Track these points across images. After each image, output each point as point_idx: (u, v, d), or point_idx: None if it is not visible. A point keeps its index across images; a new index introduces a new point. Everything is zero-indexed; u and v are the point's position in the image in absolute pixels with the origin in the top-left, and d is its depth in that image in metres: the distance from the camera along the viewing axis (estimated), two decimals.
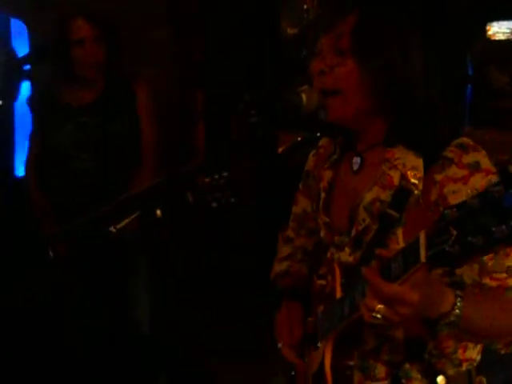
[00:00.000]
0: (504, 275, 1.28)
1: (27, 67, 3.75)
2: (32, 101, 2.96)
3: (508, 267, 1.28)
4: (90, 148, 2.78)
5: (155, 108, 2.92)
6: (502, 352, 1.32)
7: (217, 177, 1.44)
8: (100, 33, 2.68)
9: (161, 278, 3.31)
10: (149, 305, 2.99)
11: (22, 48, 3.74)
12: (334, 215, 1.51)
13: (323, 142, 1.63)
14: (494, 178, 1.27)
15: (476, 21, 4.65)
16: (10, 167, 3.97)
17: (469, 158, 1.31)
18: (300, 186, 1.70)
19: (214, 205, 1.43)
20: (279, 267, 1.76)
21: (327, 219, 1.52)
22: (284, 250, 1.78)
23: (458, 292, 1.19)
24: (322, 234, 1.56)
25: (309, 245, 1.71)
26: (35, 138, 2.93)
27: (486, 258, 1.27)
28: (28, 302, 3.64)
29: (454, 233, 0.99)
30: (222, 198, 1.44)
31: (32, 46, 3.72)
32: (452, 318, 1.17)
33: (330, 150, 1.57)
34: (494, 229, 0.95)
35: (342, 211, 1.47)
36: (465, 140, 1.35)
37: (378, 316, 1.14)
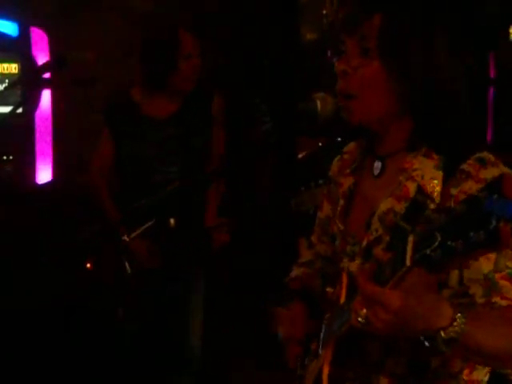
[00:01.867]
0: None
1: (47, 75, 3.78)
2: (110, 111, 2.88)
3: None
4: (173, 161, 2.77)
5: (224, 122, 2.95)
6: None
7: (313, 184, 1.42)
8: (201, 49, 2.76)
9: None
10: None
11: (41, 56, 3.77)
12: (352, 223, 1.48)
13: (349, 147, 1.59)
14: None
15: (500, 23, 4.59)
16: (32, 175, 4.00)
17: (486, 173, 1.27)
18: (325, 192, 1.67)
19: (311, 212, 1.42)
20: (295, 272, 1.73)
21: (342, 227, 1.49)
22: (305, 256, 1.75)
23: (459, 308, 1.14)
24: (337, 242, 1.53)
25: (329, 252, 1.67)
26: (106, 148, 2.86)
27: (496, 276, 1.23)
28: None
29: (439, 237, 0.99)
30: None
31: (52, 54, 3.75)
32: (452, 335, 1.12)
33: (355, 155, 1.54)
34: (471, 234, 0.94)
35: (360, 219, 1.43)
36: (485, 154, 1.31)
37: (362, 321, 1.12)
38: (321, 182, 1.75)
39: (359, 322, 1.13)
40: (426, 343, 1.15)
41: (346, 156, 1.59)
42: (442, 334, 1.12)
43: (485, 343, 1.17)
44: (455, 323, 1.12)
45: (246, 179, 3.80)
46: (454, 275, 1.27)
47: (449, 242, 0.97)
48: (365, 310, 1.11)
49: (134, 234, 1.29)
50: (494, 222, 0.93)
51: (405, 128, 1.37)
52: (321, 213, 1.69)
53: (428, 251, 1.00)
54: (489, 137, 4.48)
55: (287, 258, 1.88)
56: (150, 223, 1.31)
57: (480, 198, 0.95)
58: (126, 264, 2.43)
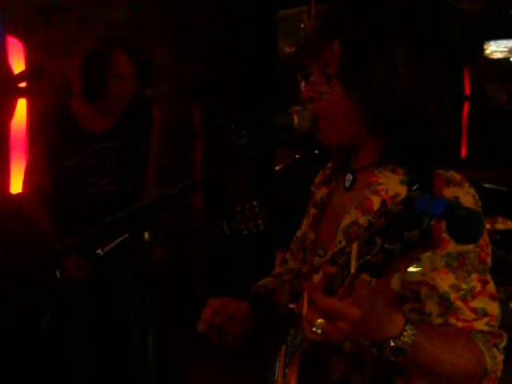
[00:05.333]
0: (471, 316, 1.24)
1: (23, 85, 3.75)
2: (46, 122, 2.89)
3: (475, 308, 1.24)
4: (108, 174, 2.78)
5: (162, 135, 2.97)
6: None
7: (248, 206, 1.43)
8: (136, 70, 2.77)
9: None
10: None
11: (17, 65, 3.74)
12: (322, 234, 1.48)
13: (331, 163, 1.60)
14: None
15: (473, 40, 4.65)
16: (5, 184, 3.95)
17: (448, 192, 1.27)
18: (307, 207, 1.66)
19: (245, 233, 1.43)
20: (262, 281, 1.73)
21: (313, 236, 1.49)
22: (275, 270, 1.76)
23: (411, 319, 1.14)
24: (308, 254, 1.52)
25: (301, 267, 1.68)
26: (45, 160, 2.86)
27: (452, 297, 1.23)
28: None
29: (379, 242, 0.99)
30: (253, 226, 1.45)
31: (28, 63, 3.72)
32: (400, 344, 1.12)
33: (331, 170, 1.55)
34: (406, 233, 0.94)
35: (329, 230, 1.44)
36: (451, 173, 1.32)
37: (319, 331, 1.10)
38: (255, 203, 1.76)
39: (314, 332, 1.11)
40: (375, 351, 1.15)
41: (327, 171, 1.60)
42: (391, 343, 1.12)
43: (434, 357, 1.16)
44: (405, 333, 1.12)
45: (221, 192, 3.81)
46: (395, 279, 1.27)
47: (386, 245, 0.97)
48: (319, 320, 1.09)
49: (107, 248, 1.28)
50: (426, 221, 0.94)
51: (376, 144, 1.38)
52: (299, 230, 1.69)
53: (369, 257, 1.00)
54: (463, 153, 4.53)
55: (263, 272, 1.88)
56: (123, 237, 1.29)
57: (412, 197, 0.96)
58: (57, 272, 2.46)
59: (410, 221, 0.95)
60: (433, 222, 0.93)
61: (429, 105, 1.36)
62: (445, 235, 0.94)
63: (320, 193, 1.52)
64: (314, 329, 1.10)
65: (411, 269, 1.28)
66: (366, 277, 1.05)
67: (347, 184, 1.44)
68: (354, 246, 1.05)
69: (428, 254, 1.21)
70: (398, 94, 1.32)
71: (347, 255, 1.07)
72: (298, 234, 1.69)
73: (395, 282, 1.27)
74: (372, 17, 1.35)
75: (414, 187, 0.97)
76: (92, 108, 2.81)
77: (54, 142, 2.82)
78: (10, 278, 3.67)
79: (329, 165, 1.61)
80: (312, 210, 1.52)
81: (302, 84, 1.41)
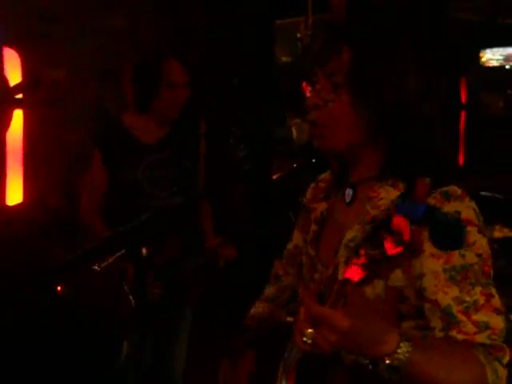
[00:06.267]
0: (473, 330, 1.21)
1: (19, 96, 3.74)
2: (101, 137, 2.84)
3: (477, 321, 1.22)
4: (166, 185, 2.76)
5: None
6: None
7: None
8: (188, 79, 2.78)
9: None
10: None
11: (14, 76, 3.73)
12: (322, 250, 1.46)
13: (324, 175, 1.58)
14: (475, 230, 1.24)
15: (469, 48, 4.66)
16: (2, 196, 3.93)
17: (449, 207, 1.25)
18: (297, 220, 1.64)
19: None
20: (256, 310, 1.69)
21: (313, 252, 1.47)
22: (269, 291, 1.71)
23: (405, 335, 1.12)
24: (305, 270, 1.50)
25: (297, 283, 1.63)
26: (98, 173, 2.80)
27: (455, 310, 1.22)
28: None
29: (364, 248, 1.01)
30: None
31: (24, 74, 3.71)
32: (395, 362, 1.09)
33: (329, 183, 1.53)
34: (384, 240, 0.96)
35: (330, 246, 1.41)
36: (452, 188, 1.30)
37: (309, 341, 1.08)
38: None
39: (304, 342, 1.08)
40: (370, 367, 1.13)
41: (321, 184, 1.58)
42: (386, 360, 1.10)
43: (430, 374, 1.14)
44: (399, 350, 1.09)
45: (220, 204, 3.79)
46: (379, 285, 1.26)
47: (370, 251, 0.98)
48: (309, 330, 1.07)
49: (104, 264, 1.27)
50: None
51: (376, 156, 1.37)
52: (290, 243, 1.66)
53: (356, 263, 1.01)
54: (460, 161, 4.53)
55: (262, 281, 1.86)
56: (120, 252, 1.28)
57: (395, 204, 0.97)
58: (130, 297, 2.42)
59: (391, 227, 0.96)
60: (413, 228, 0.93)
61: (434, 116, 1.36)
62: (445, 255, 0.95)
63: (320, 208, 1.50)
64: (304, 339, 1.08)
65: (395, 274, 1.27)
66: (352, 283, 1.05)
67: (347, 199, 1.42)
68: (342, 254, 1.05)
69: (432, 267, 1.21)
70: (406, 104, 1.31)
71: (336, 264, 1.07)
72: (289, 246, 1.66)
73: (379, 288, 1.25)
74: (382, 27, 1.34)
75: (398, 195, 0.97)
76: (145, 120, 2.78)
77: (109, 157, 2.78)
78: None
79: (320, 178, 1.60)
80: (313, 227, 1.50)
81: (308, 91, 1.40)
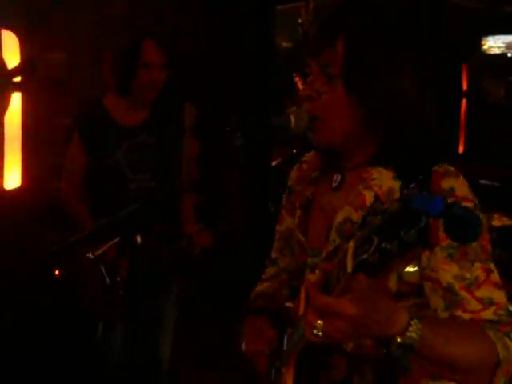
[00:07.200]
0: (478, 307, 1.21)
1: (17, 79, 3.72)
2: (81, 120, 2.84)
3: (481, 298, 1.22)
4: (146, 168, 2.74)
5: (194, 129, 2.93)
6: None
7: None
8: (166, 60, 2.72)
9: None
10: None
11: (12, 59, 3.70)
12: (312, 235, 1.46)
13: (308, 157, 1.59)
14: (470, 206, 1.23)
15: (471, 35, 4.64)
16: (0, 180, 3.92)
17: (444, 183, 1.26)
18: (283, 202, 1.64)
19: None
20: (259, 288, 1.71)
21: (303, 238, 1.47)
22: (268, 271, 1.73)
23: (416, 314, 1.11)
24: (297, 254, 1.51)
25: (293, 265, 1.64)
26: (78, 157, 2.81)
27: (457, 287, 1.22)
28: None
29: (375, 241, 0.96)
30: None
31: (23, 57, 3.68)
32: (407, 340, 1.08)
33: (314, 165, 1.53)
34: (403, 233, 0.92)
35: (320, 231, 1.42)
36: (446, 167, 1.31)
37: (320, 334, 1.07)
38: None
39: (315, 334, 1.08)
40: (383, 349, 1.12)
41: (304, 166, 1.58)
42: (398, 339, 1.09)
43: (442, 351, 1.13)
44: (411, 328, 1.09)
45: (217, 192, 3.78)
46: (393, 279, 1.25)
47: (383, 245, 0.94)
48: (319, 322, 1.07)
49: (98, 252, 1.26)
50: (423, 220, 0.91)
51: (369, 146, 1.36)
52: (280, 225, 1.66)
53: (366, 256, 0.97)
54: (461, 148, 4.52)
55: (259, 270, 1.87)
56: (115, 240, 1.27)
57: (410, 196, 0.93)
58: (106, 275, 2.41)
59: (407, 220, 0.92)
60: (430, 221, 0.91)
61: (429, 105, 1.35)
62: (441, 233, 0.92)
63: (305, 193, 1.50)
64: (314, 331, 1.08)
65: (409, 269, 1.26)
66: (362, 276, 1.02)
67: (334, 185, 1.43)
68: (351, 245, 1.02)
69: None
70: (402, 95, 1.30)
71: (343, 254, 1.05)
72: (279, 228, 1.66)
73: (392, 282, 1.25)
74: (377, 18, 1.32)
75: (412, 185, 0.94)
76: (124, 102, 2.76)
77: (89, 140, 2.77)
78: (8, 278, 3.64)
79: (304, 158, 1.59)
80: (298, 212, 1.50)
81: (300, 83, 1.39)
